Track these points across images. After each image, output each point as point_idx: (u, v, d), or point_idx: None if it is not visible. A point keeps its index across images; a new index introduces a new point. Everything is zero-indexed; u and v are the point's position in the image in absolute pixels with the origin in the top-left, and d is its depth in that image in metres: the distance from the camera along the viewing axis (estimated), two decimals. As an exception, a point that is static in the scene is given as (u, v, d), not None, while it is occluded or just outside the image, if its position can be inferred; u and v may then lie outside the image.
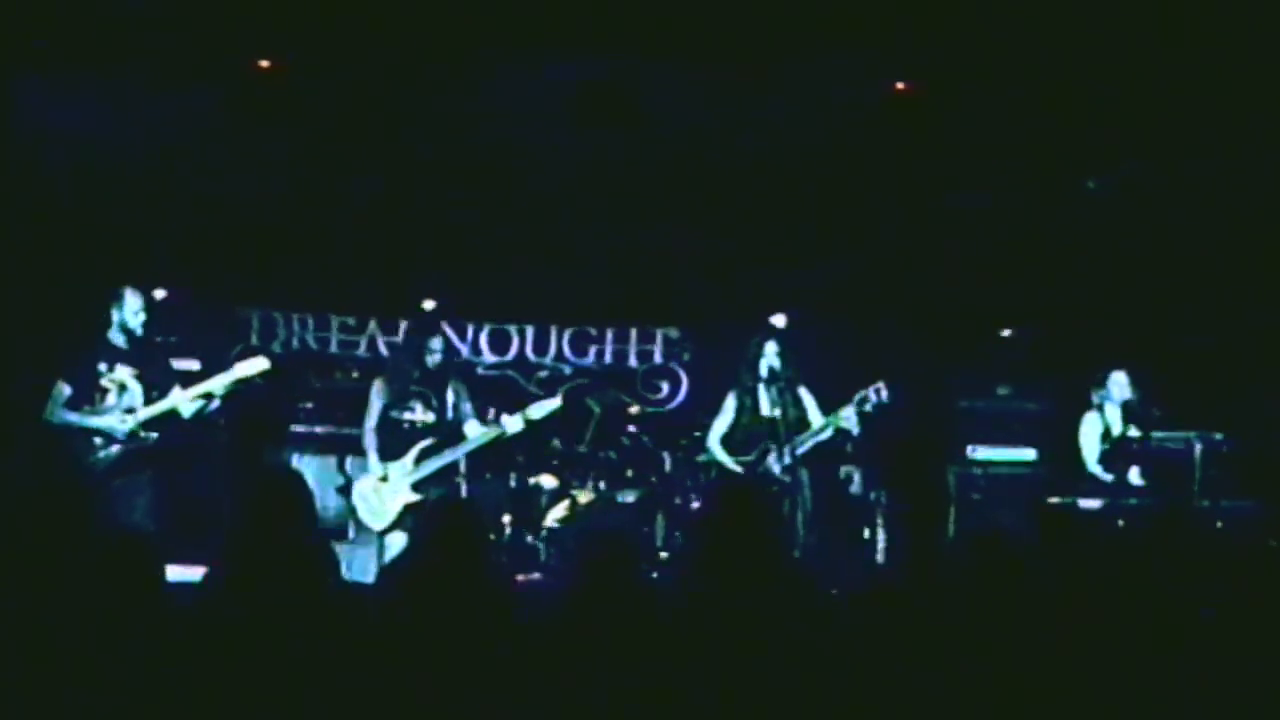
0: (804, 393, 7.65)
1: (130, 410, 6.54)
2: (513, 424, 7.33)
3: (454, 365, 8.33)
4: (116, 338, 6.64)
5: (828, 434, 7.55)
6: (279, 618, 3.77)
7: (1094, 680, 3.66)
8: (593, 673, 3.70)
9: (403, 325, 9.54)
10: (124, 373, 6.57)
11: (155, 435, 6.59)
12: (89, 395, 6.52)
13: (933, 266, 9.37)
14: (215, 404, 6.72)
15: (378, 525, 7.25)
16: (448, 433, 7.34)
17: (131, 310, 6.61)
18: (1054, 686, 3.62)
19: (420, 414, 7.30)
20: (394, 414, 7.30)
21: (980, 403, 9.09)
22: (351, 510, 7.40)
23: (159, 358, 6.82)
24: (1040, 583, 4.08)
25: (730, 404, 7.79)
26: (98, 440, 6.49)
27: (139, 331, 6.64)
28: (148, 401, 6.60)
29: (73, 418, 6.47)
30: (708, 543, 4.19)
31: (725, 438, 7.81)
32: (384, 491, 7.22)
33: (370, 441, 7.33)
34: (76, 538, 4.02)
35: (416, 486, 7.21)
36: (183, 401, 6.62)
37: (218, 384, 6.68)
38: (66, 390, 6.48)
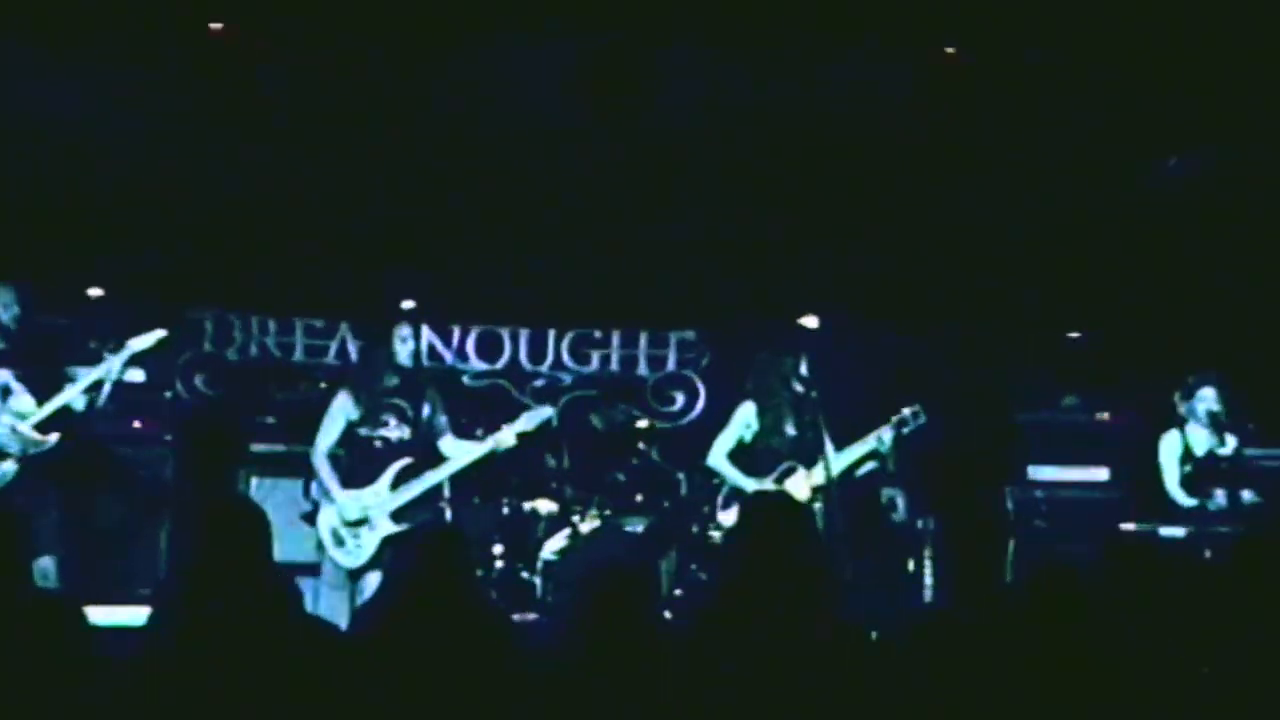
0: (820, 420, 7.68)
1: (22, 416, 6.56)
2: (504, 439, 7.39)
3: (429, 368, 8.40)
4: None
5: (864, 450, 7.64)
6: (235, 670, 3.78)
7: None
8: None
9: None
10: (2, 375, 6.69)
11: (52, 445, 6.58)
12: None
13: (987, 259, 9.44)
14: (106, 390, 6.82)
15: (351, 562, 7.25)
16: (424, 450, 7.38)
17: (1, 305, 6.67)
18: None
19: (394, 429, 7.32)
20: (364, 431, 7.32)
21: (1044, 415, 9.15)
22: (320, 545, 7.36)
23: (49, 355, 6.85)
24: (1114, 624, 4.08)
25: (745, 417, 7.85)
26: (-14, 456, 6.60)
27: (12, 327, 6.72)
28: (40, 405, 6.64)
29: None
30: (737, 572, 4.23)
31: (734, 455, 7.88)
32: (358, 522, 7.25)
33: (325, 467, 7.30)
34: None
35: (396, 515, 7.22)
36: (75, 396, 6.66)
37: (108, 368, 6.68)
38: None
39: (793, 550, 4.26)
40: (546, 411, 7.68)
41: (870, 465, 7.61)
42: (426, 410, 7.39)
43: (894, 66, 7.79)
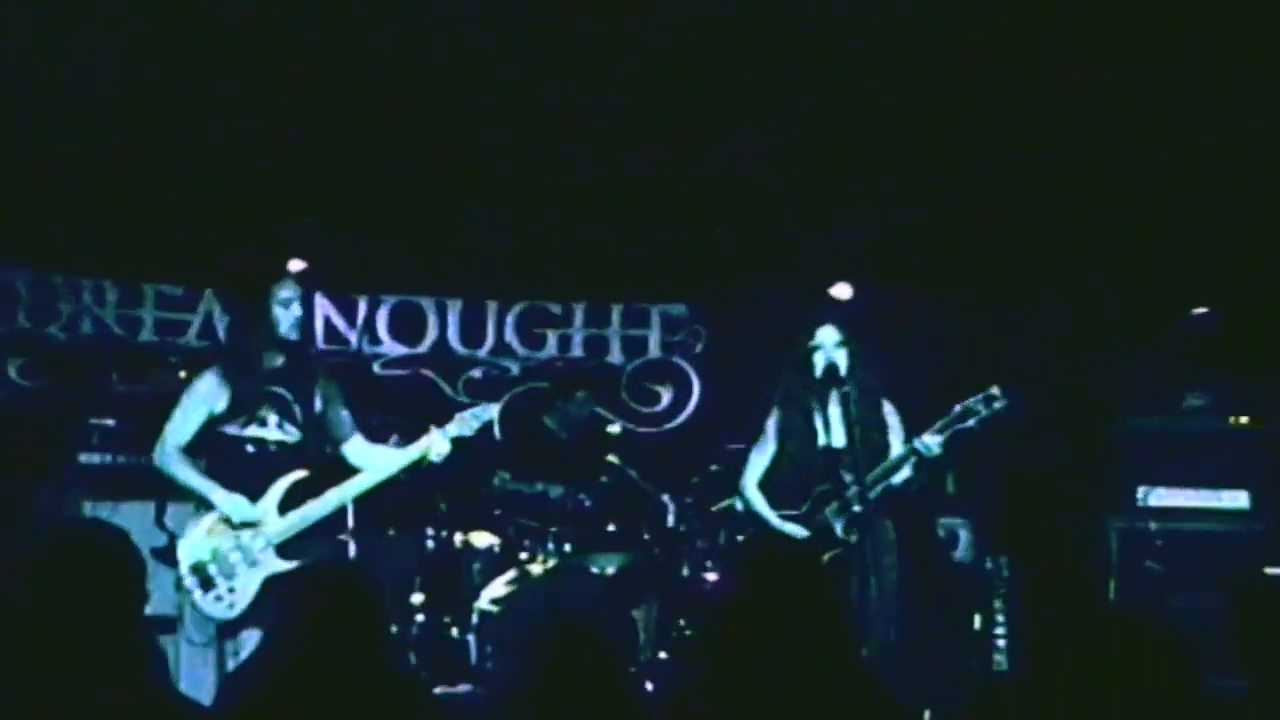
0: (888, 408, 7.83)
1: None
2: (432, 448, 7.41)
3: (327, 352, 8.53)
4: None
5: (907, 470, 7.66)
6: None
7: None
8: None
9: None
10: None
11: None
12: None
13: (1081, 209, 9.47)
14: None
15: (221, 612, 7.20)
16: (319, 460, 7.38)
17: None
18: None
19: (275, 429, 7.28)
20: (231, 430, 7.27)
21: (1159, 421, 9.22)
22: (181, 587, 7.25)
23: None
24: (1254, 699, 4.15)
25: (772, 427, 7.96)
26: None
27: None
28: None
29: None
30: (729, 640, 4.28)
31: (767, 479, 7.98)
32: (231, 559, 7.20)
33: (187, 468, 7.25)
34: None
35: (284, 550, 7.21)
36: None
37: None
38: None
39: (804, 615, 4.34)
40: (490, 411, 7.70)
41: (906, 472, 7.64)
42: (319, 403, 7.38)
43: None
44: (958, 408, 7.51)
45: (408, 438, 7.75)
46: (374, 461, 7.47)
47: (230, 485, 7.21)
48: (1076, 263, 9.75)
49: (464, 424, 7.52)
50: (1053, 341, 9.53)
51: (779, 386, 7.97)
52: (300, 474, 7.27)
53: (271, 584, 7.11)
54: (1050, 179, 9.40)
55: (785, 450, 7.90)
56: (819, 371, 7.74)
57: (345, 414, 7.52)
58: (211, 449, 7.28)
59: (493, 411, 7.74)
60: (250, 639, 7.03)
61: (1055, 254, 9.76)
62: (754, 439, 8.02)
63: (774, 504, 7.89)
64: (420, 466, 7.48)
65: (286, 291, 7.33)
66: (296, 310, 7.33)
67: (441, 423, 7.59)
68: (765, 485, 7.98)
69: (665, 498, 9.21)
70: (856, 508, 7.50)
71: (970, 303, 9.76)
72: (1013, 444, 8.68)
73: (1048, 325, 9.67)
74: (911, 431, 7.72)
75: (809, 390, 7.83)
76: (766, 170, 9.52)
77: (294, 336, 7.33)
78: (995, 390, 7.47)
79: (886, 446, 7.68)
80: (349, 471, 7.43)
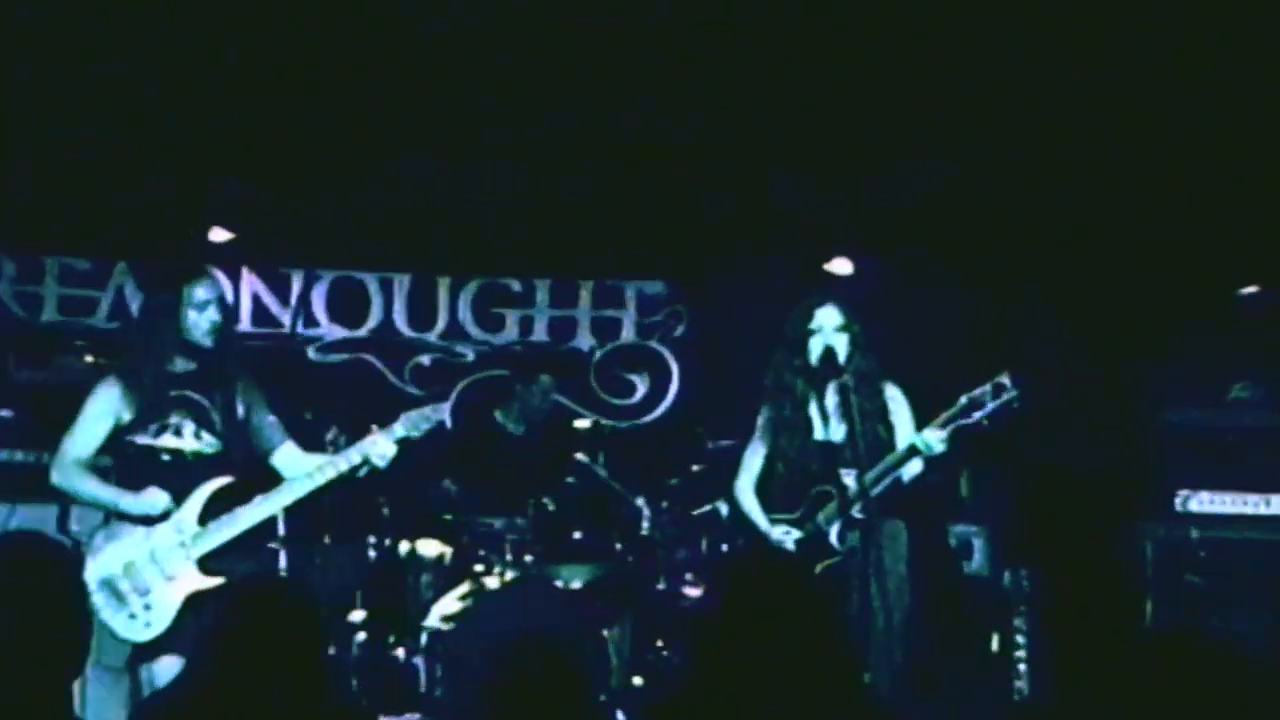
0: (893, 394, 7.84)
1: None
2: (377, 449, 7.35)
3: (251, 336, 8.57)
4: None
5: (916, 465, 7.64)
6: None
7: None
8: None
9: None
10: None
11: None
12: None
13: (1114, 177, 9.48)
14: None
15: (135, 634, 7.11)
16: (247, 466, 7.36)
17: None
18: None
19: (190, 439, 7.23)
20: (142, 440, 7.22)
21: (1202, 414, 9.16)
22: (88, 604, 6.55)
23: None
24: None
25: (763, 422, 7.99)
26: None
27: None
28: None
29: None
30: (712, 664, 4.26)
31: (762, 482, 7.98)
32: (148, 572, 7.13)
33: (88, 478, 7.24)
34: None
35: (205, 564, 7.15)
36: None
37: None
38: None
39: (797, 636, 4.31)
40: (439, 413, 7.55)
41: (915, 468, 7.63)
42: (241, 409, 7.35)
43: None
44: (964, 399, 7.48)
45: (346, 433, 7.82)
46: (302, 470, 7.40)
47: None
48: (1109, 235, 9.79)
49: (412, 425, 7.41)
50: (1082, 325, 9.61)
51: (770, 374, 7.95)
52: (224, 480, 7.23)
53: (193, 602, 7.05)
54: (1084, 139, 9.41)
55: (778, 447, 7.89)
56: (815, 358, 7.74)
57: (271, 419, 7.48)
58: (120, 460, 7.24)
59: (444, 412, 7.65)
60: (170, 666, 6.97)
61: (1084, 225, 9.79)
62: (746, 436, 8.01)
63: (767, 508, 7.88)
64: (357, 475, 7.41)
65: (203, 291, 7.24)
66: (213, 315, 7.25)
67: (386, 420, 7.47)
68: (760, 488, 7.97)
69: (640, 501, 9.20)
70: (857, 511, 7.46)
71: (988, 282, 9.83)
72: (1035, 440, 8.88)
73: (1075, 306, 9.73)
74: (921, 419, 7.73)
75: (804, 379, 7.83)
76: (758, 127, 9.48)
77: (208, 344, 7.25)
78: (1005, 380, 7.44)
79: (892, 438, 7.68)
80: (275, 480, 7.41)
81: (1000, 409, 7.43)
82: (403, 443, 7.39)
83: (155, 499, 7.12)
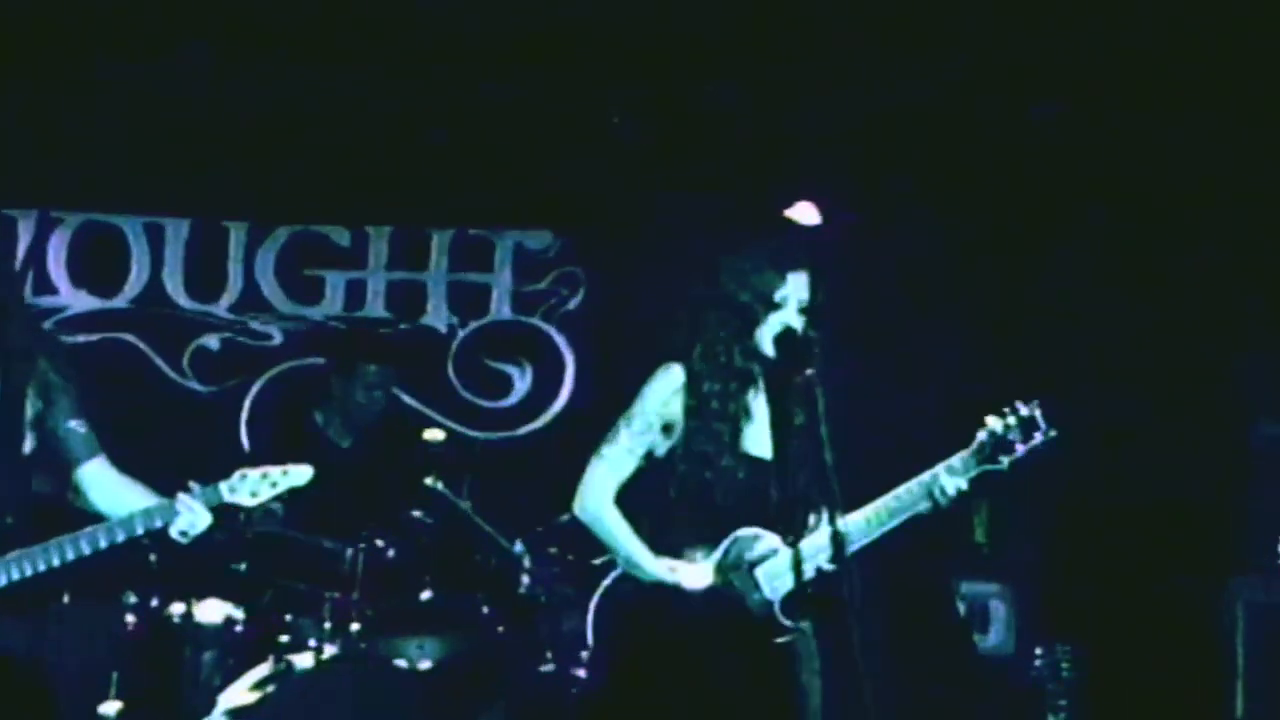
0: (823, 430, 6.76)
1: None
2: (184, 520, 6.39)
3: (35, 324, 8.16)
4: None
5: (923, 502, 6.81)
6: None
7: None
8: None
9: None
10: None
11: None
12: None
13: (1178, 141, 9.29)
14: None
15: None
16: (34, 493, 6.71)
17: None
18: None
19: None
20: None
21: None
22: None
23: None
24: None
25: (658, 405, 6.88)
26: None
27: None
28: None
29: None
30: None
31: (640, 498, 7.01)
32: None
33: None
34: None
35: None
36: None
37: None
38: None
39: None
40: (299, 478, 6.59)
41: (923, 504, 6.87)
42: (32, 407, 6.66)
43: None
44: (983, 435, 6.75)
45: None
46: (118, 502, 6.57)
47: None
48: (1159, 210, 9.43)
49: (243, 489, 6.55)
50: (1149, 325, 9.16)
51: (698, 349, 6.80)
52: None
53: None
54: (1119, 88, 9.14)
55: (690, 454, 6.73)
56: (769, 342, 6.71)
57: (75, 424, 6.63)
58: None
59: (307, 475, 6.63)
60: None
61: (1148, 210, 9.40)
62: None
63: (663, 540, 6.69)
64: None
65: None
66: None
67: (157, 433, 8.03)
68: (635, 505, 6.92)
69: (517, 546, 8.58)
70: (824, 562, 6.46)
71: (1008, 246, 9.28)
72: (1077, 470, 8.25)
73: (1138, 300, 9.24)
74: (898, 454, 7.06)
75: (756, 364, 6.77)
76: (686, 20, 8.84)
77: None
78: (1036, 413, 6.76)
79: (826, 469, 6.51)
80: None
81: (1032, 454, 6.80)
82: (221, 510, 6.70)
83: None
